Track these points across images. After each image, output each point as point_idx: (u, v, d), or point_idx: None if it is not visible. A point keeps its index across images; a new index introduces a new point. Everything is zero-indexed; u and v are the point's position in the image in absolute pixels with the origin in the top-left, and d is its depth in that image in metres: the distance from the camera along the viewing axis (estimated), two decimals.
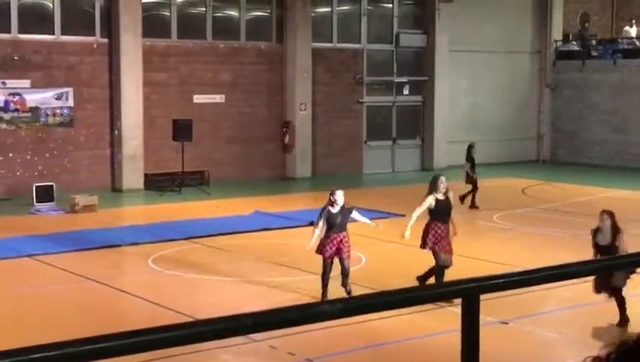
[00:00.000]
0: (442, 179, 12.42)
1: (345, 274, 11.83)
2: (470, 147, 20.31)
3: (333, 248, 11.79)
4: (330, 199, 12.03)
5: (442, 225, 12.12)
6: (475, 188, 19.82)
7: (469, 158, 20.08)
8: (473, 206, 19.77)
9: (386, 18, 28.51)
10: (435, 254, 12.07)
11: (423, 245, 12.18)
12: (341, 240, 11.80)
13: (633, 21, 32.63)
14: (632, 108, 29.48)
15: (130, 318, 11.50)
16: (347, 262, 11.85)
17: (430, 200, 12.21)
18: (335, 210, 11.92)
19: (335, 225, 11.84)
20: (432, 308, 10.67)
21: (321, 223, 11.89)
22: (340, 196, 11.97)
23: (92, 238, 16.43)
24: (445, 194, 12.33)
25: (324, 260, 11.81)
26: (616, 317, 10.89)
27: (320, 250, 11.91)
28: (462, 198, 19.40)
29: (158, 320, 10.45)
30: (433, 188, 12.34)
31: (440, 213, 12.18)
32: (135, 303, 12.45)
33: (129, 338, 2.18)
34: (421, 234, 12.27)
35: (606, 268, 3.10)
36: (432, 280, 12.04)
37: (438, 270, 11.98)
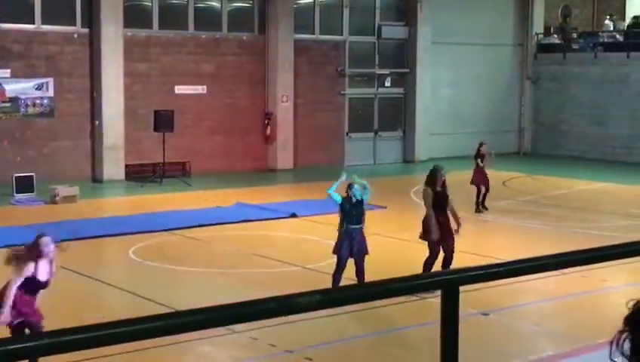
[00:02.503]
0: (442, 172, 12.48)
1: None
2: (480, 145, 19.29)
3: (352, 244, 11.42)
4: (347, 193, 11.56)
5: (441, 215, 12.19)
6: (478, 190, 18.74)
7: (477, 155, 19.01)
8: (480, 207, 18.72)
9: (368, 10, 28.50)
10: (429, 245, 12.10)
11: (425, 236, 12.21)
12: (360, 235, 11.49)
13: (615, 16, 32.83)
14: (612, 101, 29.65)
15: (109, 309, 11.47)
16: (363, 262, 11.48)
17: (430, 195, 12.24)
18: (353, 201, 11.53)
19: (353, 215, 11.48)
20: (413, 299, 10.71)
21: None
22: (357, 191, 11.64)
23: (72, 229, 16.33)
24: (443, 186, 12.40)
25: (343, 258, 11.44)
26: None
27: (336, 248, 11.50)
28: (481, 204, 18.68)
29: (138, 311, 10.43)
30: (432, 181, 12.39)
31: (438, 205, 12.25)
32: (115, 294, 12.42)
33: (108, 329, 2.18)
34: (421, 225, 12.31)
35: (584, 261, 3.12)
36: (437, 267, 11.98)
37: (431, 259, 12.01)
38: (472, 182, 18.85)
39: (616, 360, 1.61)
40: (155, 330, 2.25)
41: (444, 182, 12.48)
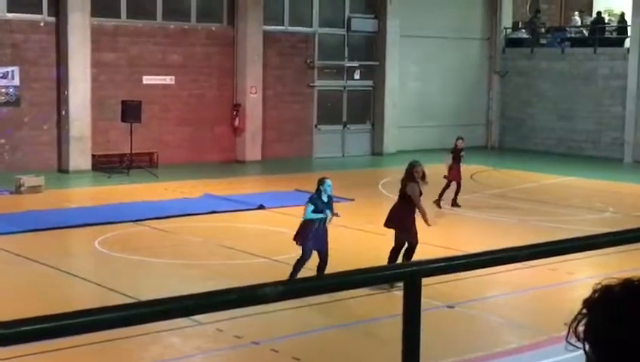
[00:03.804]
0: (419, 167, 12.51)
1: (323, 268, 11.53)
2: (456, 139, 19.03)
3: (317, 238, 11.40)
4: (319, 188, 11.57)
5: (412, 208, 12.24)
6: (447, 186, 18.45)
7: (452, 150, 18.74)
8: (454, 204, 18.55)
9: (338, 2, 28.47)
10: (395, 235, 12.13)
11: (391, 225, 12.25)
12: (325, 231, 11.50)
13: (584, 12, 33.08)
14: (578, 96, 29.90)
15: (75, 300, 11.38)
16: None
17: (417, 190, 12.32)
18: (325, 199, 11.52)
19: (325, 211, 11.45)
20: (379, 291, 10.74)
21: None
22: (329, 186, 11.60)
23: (38, 219, 16.21)
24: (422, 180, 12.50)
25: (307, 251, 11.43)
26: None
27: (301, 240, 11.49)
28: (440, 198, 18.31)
29: (103, 302, 10.37)
30: (410, 176, 12.42)
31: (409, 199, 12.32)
32: (81, 285, 12.33)
33: (74, 318, 2.15)
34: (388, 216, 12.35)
35: (547, 253, 3.14)
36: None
37: (397, 249, 12.04)
38: (445, 177, 18.55)
39: (571, 342, 1.64)
40: (115, 320, 2.23)
41: (422, 177, 12.51)
